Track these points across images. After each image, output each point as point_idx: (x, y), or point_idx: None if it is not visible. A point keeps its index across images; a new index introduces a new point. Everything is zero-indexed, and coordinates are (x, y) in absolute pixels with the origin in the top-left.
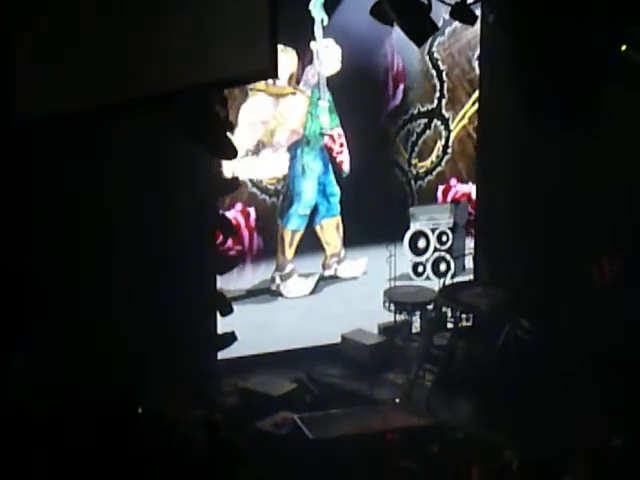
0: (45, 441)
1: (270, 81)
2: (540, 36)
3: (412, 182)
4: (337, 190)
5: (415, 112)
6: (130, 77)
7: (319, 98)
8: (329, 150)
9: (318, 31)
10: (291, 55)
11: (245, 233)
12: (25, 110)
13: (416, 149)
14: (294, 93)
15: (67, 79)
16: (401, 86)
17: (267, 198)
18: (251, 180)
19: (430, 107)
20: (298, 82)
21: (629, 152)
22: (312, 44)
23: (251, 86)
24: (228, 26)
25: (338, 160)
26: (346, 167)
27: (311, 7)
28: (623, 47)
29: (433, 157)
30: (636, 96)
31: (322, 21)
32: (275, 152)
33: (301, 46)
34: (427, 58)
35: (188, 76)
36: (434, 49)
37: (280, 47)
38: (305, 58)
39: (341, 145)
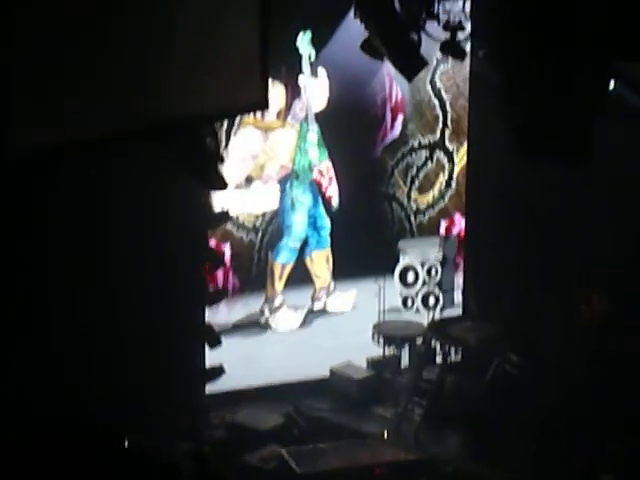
0: (29, 473)
1: (259, 114)
2: (530, 71)
3: (412, 217)
4: (327, 223)
5: (415, 144)
6: (121, 110)
7: (307, 132)
8: (318, 184)
9: (306, 66)
10: (279, 90)
11: (219, 272)
12: (19, 142)
13: (416, 182)
14: (283, 127)
15: (59, 111)
16: (400, 117)
17: (244, 235)
18: None
19: (432, 139)
20: (286, 116)
21: (618, 188)
22: (300, 78)
23: (242, 120)
24: (220, 58)
25: (327, 194)
26: (335, 201)
27: (299, 43)
28: (612, 83)
29: (435, 191)
30: (625, 131)
31: (310, 56)
32: (265, 186)
33: (289, 81)
34: (429, 87)
35: (179, 108)
36: (436, 78)
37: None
38: (293, 92)
39: (330, 179)
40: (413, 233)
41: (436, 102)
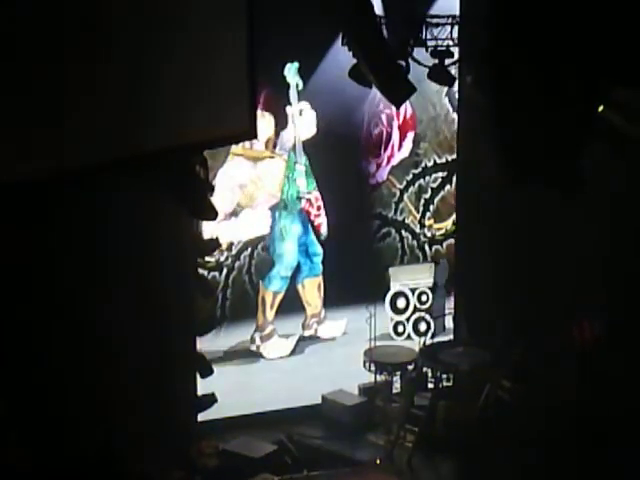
0: None
1: (248, 144)
2: (518, 96)
3: (426, 246)
4: (320, 250)
5: (430, 164)
6: (111, 139)
7: (296, 162)
8: (306, 213)
9: (293, 95)
10: (268, 120)
11: None
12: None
13: (431, 208)
14: (272, 157)
15: (47, 143)
16: (410, 135)
17: (205, 273)
18: None
19: (450, 158)
20: (275, 146)
21: (609, 211)
22: (288, 108)
23: (230, 150)
24: (208, 89)
25: (316, 223)
26: (324, 230)
27: (286, 72)
28: (600, 107)
29: (455, 217)
30: (613, 153)
31: (297, 86)
32: (253, 215)
33: (277, 111)
34: (446, 101)
35: (168, 138)
36: (455, 89)
37: (258, 112)
38: (280, 123)
39: (318, 208)
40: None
41: (455, 117)
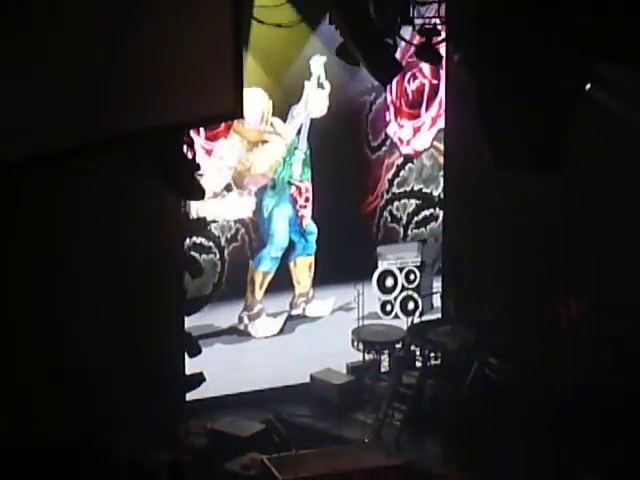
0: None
1: (242, 122)
2: (505, 75)
3: None
4: (314, 228)
5: None
6: (96, 119)
7: (296, 147)
8: (294, 201)
9: (314, 82)
10: (260, 95)
11: None
12: None
13: None
14: (266, 141)
15: (30, 124)
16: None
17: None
18: None
19: None
20: (286, 119)
21: (597, 193)
22: (306, 83)
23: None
24: (192, 68)
25: (300, 214)
26: (306, 222)
27: (312, 62)
28: (588, 86)
29: (443, 197)
30: (599, 133)
31: (319, 78)
32: (242, 194)
33: (291, 82)
34: None
35: (153, 118)
36: None
37: (251, 88)
38: (293, 97)
39: (306, 199)
40: None
41: None
